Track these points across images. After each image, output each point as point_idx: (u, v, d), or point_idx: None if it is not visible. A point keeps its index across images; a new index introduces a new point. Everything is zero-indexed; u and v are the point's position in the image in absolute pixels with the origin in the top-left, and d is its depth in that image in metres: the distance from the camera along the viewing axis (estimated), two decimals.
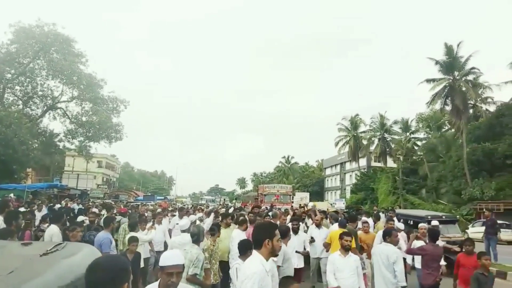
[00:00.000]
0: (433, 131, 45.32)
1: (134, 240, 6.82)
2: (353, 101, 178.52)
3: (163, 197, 62.71)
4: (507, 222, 23.32)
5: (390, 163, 49.22)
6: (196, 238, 5.80)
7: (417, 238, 7.80)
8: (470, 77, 34.71)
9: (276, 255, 3.49)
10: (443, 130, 45.72)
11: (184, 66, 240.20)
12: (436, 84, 34.99)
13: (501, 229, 20.64)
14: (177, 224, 9.81)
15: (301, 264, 8.07)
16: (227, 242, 7.34)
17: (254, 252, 3.34)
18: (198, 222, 10.76)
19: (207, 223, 10.42)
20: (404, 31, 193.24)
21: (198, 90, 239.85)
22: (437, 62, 34.81)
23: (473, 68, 34.38)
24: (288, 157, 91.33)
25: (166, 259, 2.96)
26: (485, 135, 34.22)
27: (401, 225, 10.34)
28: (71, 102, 35.67)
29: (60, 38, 32.26)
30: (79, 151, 38.53)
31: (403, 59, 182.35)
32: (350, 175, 61.70)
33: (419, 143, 48.51)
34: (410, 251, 7.00)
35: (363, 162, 56.76)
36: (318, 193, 66.22)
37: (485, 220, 17.23)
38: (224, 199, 69.92)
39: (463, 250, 6.81)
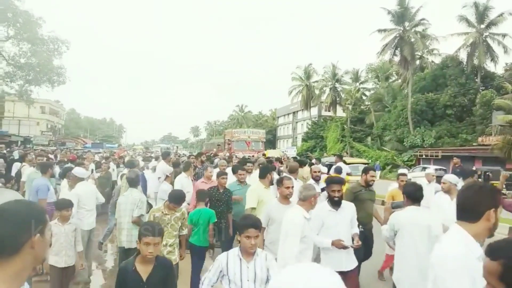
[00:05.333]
0: (381, 82, 46.65)
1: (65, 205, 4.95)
2: (309, 50, 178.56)
3: (114, 145, 60.96)
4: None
5: (340, 112, 50.52)
6: (133, 182, 5.76)
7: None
8: (419, 28, 35.51)
9: (491, 236, 2.20)
10: (391, 80, 47.17)
11: (135, 8, 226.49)
12: (387, 34, 35.59)
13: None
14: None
15: (352, 264, 4.40)
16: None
17: (458, 229, 2.13)
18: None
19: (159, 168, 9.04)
20: None
21: (149, 35, 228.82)
22: (389, 12, 35.14)
23: (422, 19, 35.08)
24: (242, 105, 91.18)
25: None
26: (429, 86, 35.82)
27: (324, 168, 8.73)
28: (7, 42, 32.68)
29: None
30: (20, 96, 36.13)
31: (359, 9, 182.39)
32: (302, 124, 62.85)
33: (367, 93, 49.84)
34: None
35: (314, 111, 57.81)
36: (270, 142, 67.27)
37: (452, 167, 15.86)
38: (177, 147, 69.40)
39: None
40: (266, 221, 4.54)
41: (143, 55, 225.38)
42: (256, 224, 3.12)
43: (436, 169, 20.88)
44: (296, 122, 66.37)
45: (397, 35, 35.47)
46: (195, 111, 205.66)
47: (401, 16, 34.95)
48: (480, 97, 31.18)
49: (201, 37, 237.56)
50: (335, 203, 4.33)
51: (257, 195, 5.71)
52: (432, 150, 29.55)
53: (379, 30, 35.99)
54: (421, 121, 33.90)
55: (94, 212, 6.47)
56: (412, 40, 34.60)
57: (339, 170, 7.70)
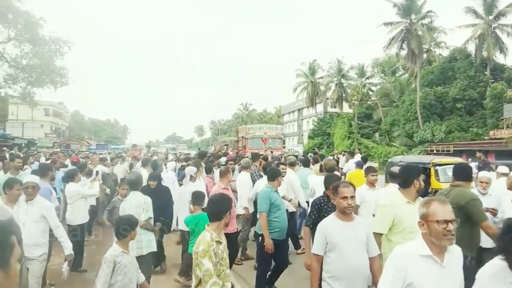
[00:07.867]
0: (388, 76, 46.00)
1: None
2: (313, 46, 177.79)
3: (119, 146, 60.74)
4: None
5: (346, 108, 49.97)
6: (135, 185, 5.31)
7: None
8: (426, 21, 34.82)
9: None
10: (397, 75, 46.50)
11: (137, 8, 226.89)
12: (394, 28, 34.92)
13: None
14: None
15: None
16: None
17: None
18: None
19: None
20: None
21: (152, 35, 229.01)
22: (395, 5, 34.45)
23: (429, 11, 34.41)
24: (246, 104, 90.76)
25: None
26: (438, 79, 35.15)
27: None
28: (8, 44, 32.47)
29: None
30: (23, 98, 35.92)
31: (364, 3, 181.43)
32: (308, 121, 62.33)
33: (374, 88, 49.24)
34: None
35: (320, 108, 57.25)
36: None
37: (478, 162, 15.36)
38: (199, 149, 68.63)
39: None
40: (322, 246, 3.35)
41: (146, 55, 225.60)
42: None
43: None
44: (302, 120, 65.87)
45: (404, 28, 34.75)
46: (199, 111, 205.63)
47: (408, 8, 34.26)
48: (490, 89, 30.48)
49: (204, 36, 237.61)
50: None
51: (393, 214, 3.69)
52: (444, 145, 28.88)
53: (385, 24, 35.32)
54: (430, 115, 33.21)
55: None
56: (419, 33, 33.88)
57: (360, 165, 7.24)
